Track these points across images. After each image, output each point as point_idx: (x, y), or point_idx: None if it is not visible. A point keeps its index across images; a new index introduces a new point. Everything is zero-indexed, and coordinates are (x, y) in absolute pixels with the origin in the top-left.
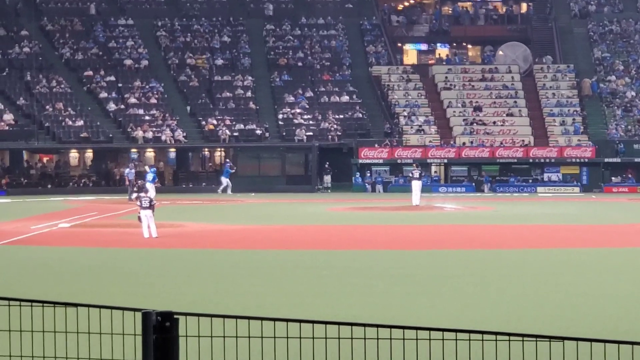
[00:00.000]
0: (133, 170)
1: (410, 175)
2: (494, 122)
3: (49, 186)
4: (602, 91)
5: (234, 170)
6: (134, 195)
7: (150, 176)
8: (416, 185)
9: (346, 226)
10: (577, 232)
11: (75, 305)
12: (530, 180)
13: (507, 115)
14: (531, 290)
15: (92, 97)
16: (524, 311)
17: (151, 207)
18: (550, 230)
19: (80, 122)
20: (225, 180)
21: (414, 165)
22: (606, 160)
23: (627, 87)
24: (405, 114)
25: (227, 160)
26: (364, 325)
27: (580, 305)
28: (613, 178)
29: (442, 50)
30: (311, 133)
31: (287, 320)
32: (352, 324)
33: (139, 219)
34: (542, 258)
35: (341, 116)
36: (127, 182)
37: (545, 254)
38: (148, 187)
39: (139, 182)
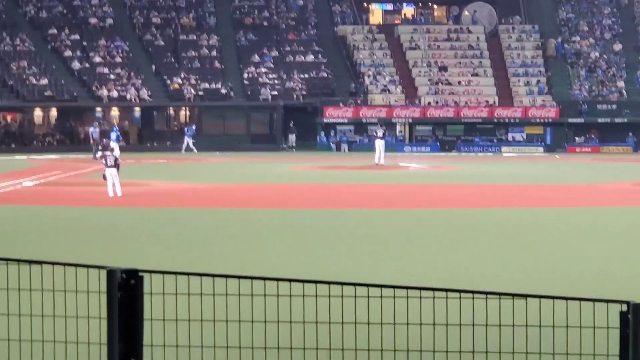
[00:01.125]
0: (97, 129)
1: (374, 134)
2: (459, 82)
3: (13, 145)
4: (566, 52)
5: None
6: (99, 153)
7: (113, 135)
8: (379, 144)
9: (311, 185)
10: (540, 191)
11: (40, 262)
12: (495, 140)
13: (472, 75)
14: (495, 250)
15: (56, 55)
16: (488, 271)
17: (116, 165)
18: (514, 189)
19: (44, 81)
20: (187, 140)
21: (378, 124)
22: (570, 120)
23: (592, 48)
24: (371, 73)
25: (189, 123)
26: (329, 283)
27: (544, 265)
28: (577, 138)
29: (408, 10)
30: (276, 92)
31: (251, 278)
32: (316, 282)
33: (104, 177)
34: (507, 217)
35: (306, 76)
36: (91, 141)
37: (509, 214)
38: (112, 145)
39: (104, 140)
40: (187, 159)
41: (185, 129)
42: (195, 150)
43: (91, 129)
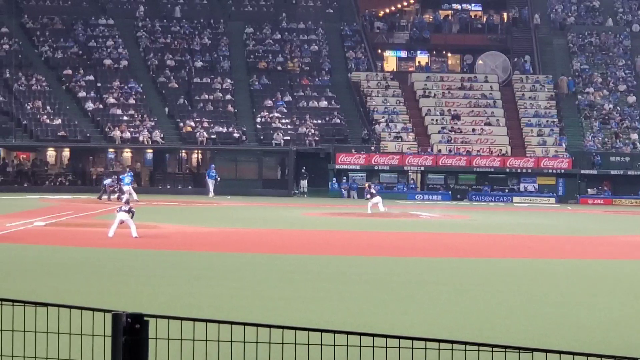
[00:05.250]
0: (111, 181)
1: (370, 191)
2: (472, 131)
3: (26, 184)
4: (580, 103)
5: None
6: (123, 197)
7: (127, 179)
8: (376, 199)
9: (321, 231)
10: (551, 242)
11: (46, 305)
12: (507, 190)
13: (485, 124)
14: (504, 299)
15: (70, 96)
16: (497, 320)
17: (130, 212)
18: (525, 240)
19: (58, 121)
20: (210, 182)
21: (366, 184)
22: (582, 171)
23: (605, 99)
24: (384, 120)
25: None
26: (334, 332)
27: (553, 316)
28: (589, 190)
29: (422, 58)
30: (289, 137)
31: (257, 325)
32: (322, 331)
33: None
34: (517, 267)
35: (319, 121)
36: (103, 187)
37: (519, 264)
38: (125, 189)
39: (120, 184)
40: (198, 202)
41: (207, 172)
42: (210, 193)
43: (107, 181)
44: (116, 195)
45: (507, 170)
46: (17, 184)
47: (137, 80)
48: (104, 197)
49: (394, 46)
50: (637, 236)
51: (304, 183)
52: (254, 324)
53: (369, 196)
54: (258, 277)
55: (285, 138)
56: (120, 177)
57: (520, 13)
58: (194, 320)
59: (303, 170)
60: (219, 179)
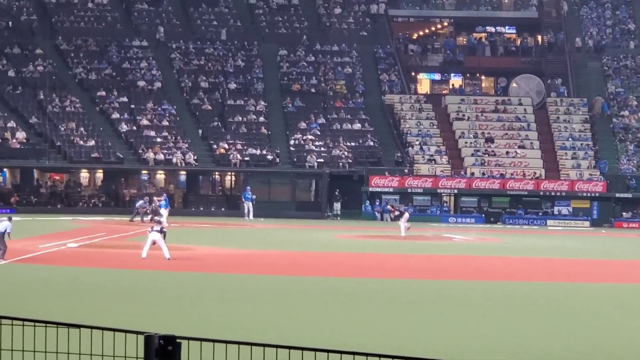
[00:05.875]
0: (143, 203)
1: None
2: (506, 154)
3: (59, 205)
4: (614, 126)
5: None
6: (157, 218)
7: (164, 202)
8: (405, 217)
9: (354, 254)
10: (586, 266)
11: (78, 326)
12: (540, 213)
13: (519, 147)
14: (538, 322)
15: (104, 117)
16: (531, 343)
17: (161, 232)
18: (558, 263)
19: (91, 142)
20: (247, 204)
21: (390, 207)
22: (617, 195)
23: None
24: (417, 143)
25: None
26: (367, 354)
27: (587, 339)
28: (624, 213)
29: (456, 81)
30: (322, 160)
31: (289, 348)
32: (354, 353)
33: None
34: (550, 291)
35: (353, 143)
36: (136, 209)
37: (553, 287)
38: (162, 212)
39: (153, 204)
40: (231, 224)
41: (243, 194)
42: (247, 216)
43: (140, 202)
44: (149, 216)
45: (541, 193)
46: (51, 205)
47: (171, 102)
48: (137, 218)
49: (427, 69)
50: None
51: (337, 205)
52: (287, 346)
53: (395, 214)
54: (290, 299)
55: (318, 160)
56: (159, 204)
57: (555, 37)
58: (227, 342)
59: (336, 193)
60: (254, 200)
